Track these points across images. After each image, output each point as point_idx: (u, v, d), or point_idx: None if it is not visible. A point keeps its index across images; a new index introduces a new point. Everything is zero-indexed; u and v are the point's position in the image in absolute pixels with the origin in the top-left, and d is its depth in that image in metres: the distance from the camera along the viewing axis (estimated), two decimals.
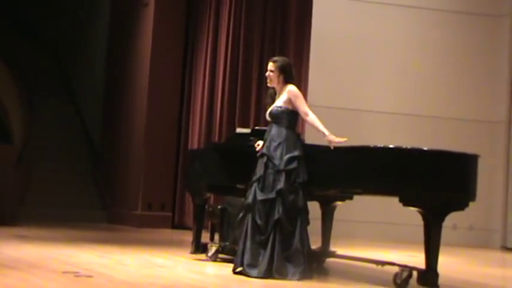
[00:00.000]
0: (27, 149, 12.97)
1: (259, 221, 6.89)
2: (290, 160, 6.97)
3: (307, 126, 10.01)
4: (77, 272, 6.51)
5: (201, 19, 13.39)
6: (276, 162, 6.96)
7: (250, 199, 6.97)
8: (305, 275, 6.83)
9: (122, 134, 14.19)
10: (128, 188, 13.68)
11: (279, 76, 7.23)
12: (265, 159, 7.01)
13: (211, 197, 10.01)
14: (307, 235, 7.01)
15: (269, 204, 6.91)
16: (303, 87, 11.60)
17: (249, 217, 6.95)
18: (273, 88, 7.33)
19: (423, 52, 13.80)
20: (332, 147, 6.91)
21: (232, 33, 12.76)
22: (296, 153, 7.01)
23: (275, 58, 7.46)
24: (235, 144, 8.08)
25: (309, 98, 11.16)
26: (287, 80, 7.25)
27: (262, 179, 6.98)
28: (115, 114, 14.58)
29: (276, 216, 6.87)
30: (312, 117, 7.10)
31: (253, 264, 6.83)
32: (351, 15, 13.63)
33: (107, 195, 14.34)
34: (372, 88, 13.61)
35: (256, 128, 8.31)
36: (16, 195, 12.22)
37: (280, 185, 6.91)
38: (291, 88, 7.20)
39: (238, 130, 8.74)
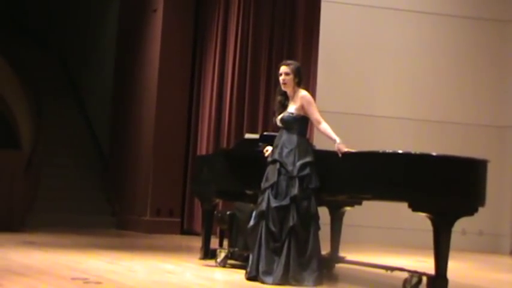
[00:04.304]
0: (35, 155, 12.98)
1: (273, 228, 6.85)
2: (303, 166, 6.93)
3: (315, 132, 9.98)
4: (86, 279, 6.51)
5: (210, 25, 13.40)
6: (289, 168, 6.93)
7: (263, 206, 6.92)
8: (319, 281, 6.81)
9: (130, 140, 14.20)
10: (136, 194, 13.67)
11: (294, 79, 7.20)
12: (278, 165, 6.96)
13: (220, 202, 10.00)
14: (319, 241, 6.99)
15: (283, 211, 6.87)
16: (311, 92, 11.58)
17: (263, 224, 6.90)
18: (283, 94, 7.25)
19: (432, 57, 13.78)
20: (340, 155, 6.91)
21: (241, 39, 12.78)
22: (308, 159, 6.97)
23: (288, 61, 7.37)
24: (244, 150, 8.08)
25: (317, 103, 11.13)
26: (299, 84, 7.22)
27: (275, 186, 6.94)
28: (123, 120, 14.58)
29: (291, 223, 6.83)
30: (324, 126, 7.07)
31: (268, 272, 6.78)
32: (359, 20, 13.62)
33: (116, 201, 14.34)
34: (380, 93, 13.58)
35: (265, 133, 8.27)
36: (25, 201, 12.21)
37: (294, 191, 6.87)
38: (305, 94, 7.16)
39: (247, 136, 8.75)
